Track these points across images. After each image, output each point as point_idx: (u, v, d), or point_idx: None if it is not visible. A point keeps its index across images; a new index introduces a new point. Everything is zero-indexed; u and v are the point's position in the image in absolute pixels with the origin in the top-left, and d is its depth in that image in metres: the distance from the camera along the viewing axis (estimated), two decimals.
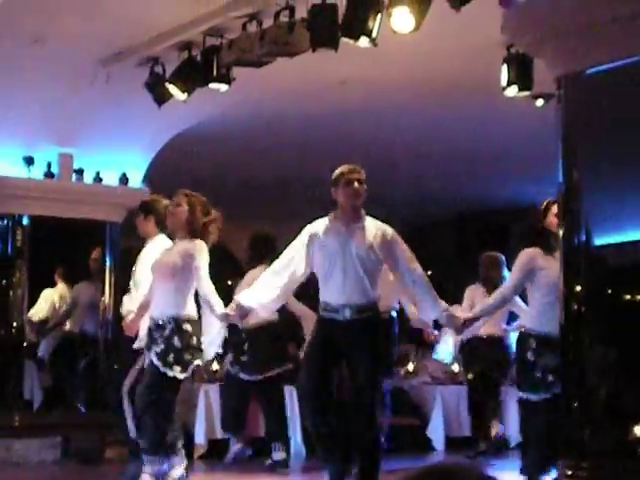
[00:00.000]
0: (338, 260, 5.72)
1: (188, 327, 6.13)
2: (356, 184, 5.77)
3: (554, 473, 6.13)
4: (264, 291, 5.86)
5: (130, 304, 6.74)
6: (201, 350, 6.23)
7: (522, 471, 6.49)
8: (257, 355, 8.05)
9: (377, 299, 5.87)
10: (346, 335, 5.69)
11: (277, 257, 8.01)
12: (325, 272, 5.77)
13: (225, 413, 8.40)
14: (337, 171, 5.86)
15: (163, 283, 6.21)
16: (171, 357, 6.08)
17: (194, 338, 6.15)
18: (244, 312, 5.90)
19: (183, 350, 6.09)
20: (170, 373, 6.08)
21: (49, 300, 9.26)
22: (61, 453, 8.62)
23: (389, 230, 5.85)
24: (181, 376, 6.14)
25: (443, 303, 5.85)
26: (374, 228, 5.81)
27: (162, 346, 6.11)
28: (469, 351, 8.88)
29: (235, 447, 8.23)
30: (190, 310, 6.20)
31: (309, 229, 5.86)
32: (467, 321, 6.14)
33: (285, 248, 5.97)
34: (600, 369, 5.14)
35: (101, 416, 8.60)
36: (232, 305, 5.94)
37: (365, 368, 5.70)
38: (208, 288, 6.10)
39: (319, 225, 5.85)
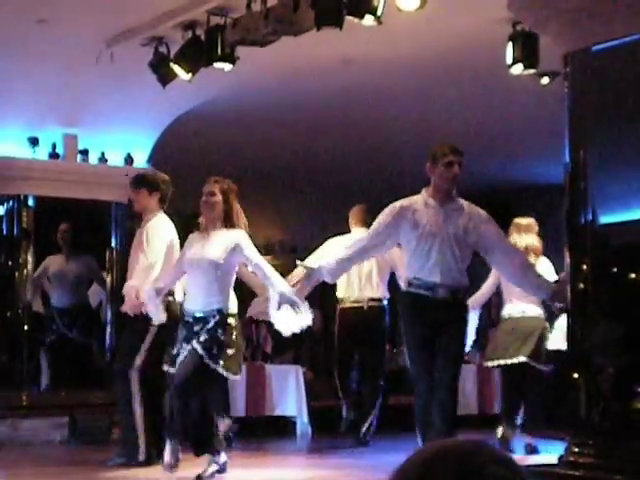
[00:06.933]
0: (436, 240, 5.58)
1: (233, 321, 6.12)
2: (456, 168, 5.66)
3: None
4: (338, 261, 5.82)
5: (136, 281, 6.72)
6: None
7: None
8: None
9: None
10: (439, 314, 5.61)
11: None
12: (421, 250, 5.62)
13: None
14: (438, 148, 5.76)
15: (205, 277, 6.11)
16: (215, 349, 6.03)
17: (235, 334, 6.13)
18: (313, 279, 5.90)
19: (227, 344, 6.06)
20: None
21: None
22: (68, 433, 8.65)
23: (482, 213, 5.73)
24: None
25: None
26: (468, 208, 5.70)
27: (205, 336, 6.04)
28: None
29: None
30: (233, 305, 6.22)
31: (401, 203, 5.71)
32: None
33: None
34: (607, 347, 5.14)
35: (108, 396, 8.62)
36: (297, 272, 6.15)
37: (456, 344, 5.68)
38: (270, 269, 6.15)
39: (412, 201, 5.72)
